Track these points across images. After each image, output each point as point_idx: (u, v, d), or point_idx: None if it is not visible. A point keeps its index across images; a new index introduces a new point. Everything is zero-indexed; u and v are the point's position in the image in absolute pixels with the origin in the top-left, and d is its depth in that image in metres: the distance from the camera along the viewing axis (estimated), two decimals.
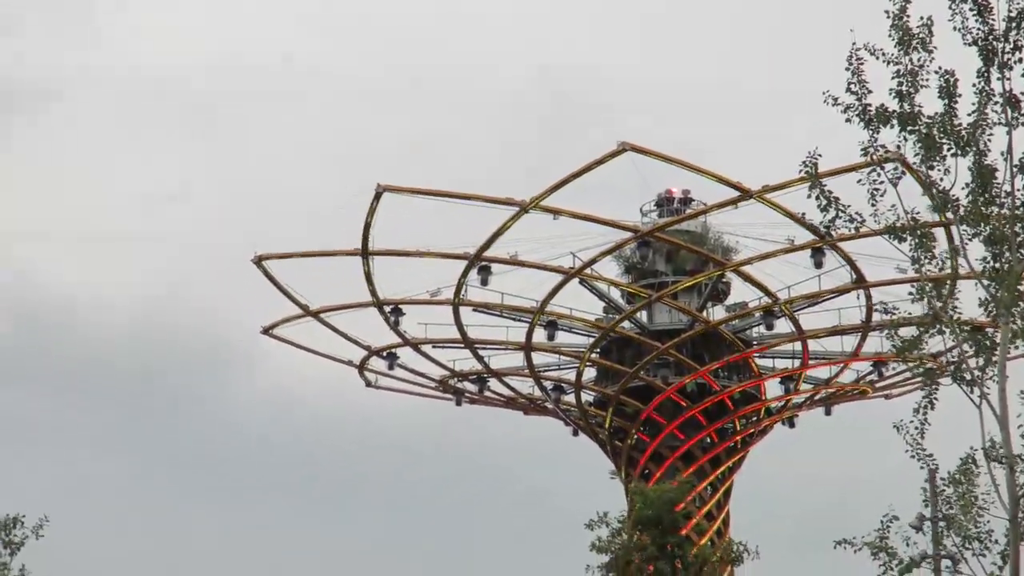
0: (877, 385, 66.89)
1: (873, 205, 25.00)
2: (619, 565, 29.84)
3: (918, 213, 25.10)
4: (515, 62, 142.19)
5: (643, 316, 66.66)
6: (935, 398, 24.87)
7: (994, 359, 24.43)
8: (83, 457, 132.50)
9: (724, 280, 64.66)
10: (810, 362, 63.94)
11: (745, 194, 53.91)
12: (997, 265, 24.50)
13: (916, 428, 24.96)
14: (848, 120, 25.00)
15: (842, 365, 64.95)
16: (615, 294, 66.07)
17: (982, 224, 24.71)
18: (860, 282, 57.00)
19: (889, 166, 24.90)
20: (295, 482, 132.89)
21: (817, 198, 25.21)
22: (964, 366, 24.67)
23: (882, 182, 25.00)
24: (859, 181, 25.02)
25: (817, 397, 68.14)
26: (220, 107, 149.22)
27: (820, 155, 25.17)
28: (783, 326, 63.06)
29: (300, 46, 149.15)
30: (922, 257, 25.33)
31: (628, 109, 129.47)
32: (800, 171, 25.34)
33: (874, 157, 25.27)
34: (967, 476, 24.84)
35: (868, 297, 57.32)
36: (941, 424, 26.27)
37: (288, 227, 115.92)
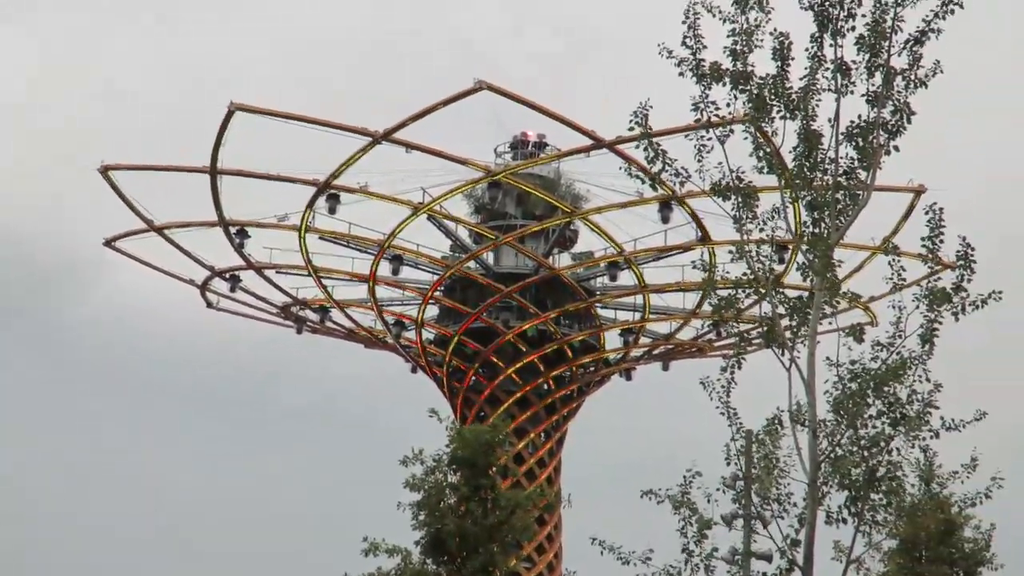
0: (715, 344, 67.42)
1: (699, 161, 24.98)
2: (431, 504, 29.54)
3: (743, 172, 25.11)
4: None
5: (489, 258, 66.45)
6: (743, 357, 25.01)
7: (806, 325, 24.60)
8: None
9: (572, 228, 64.57)
10: (650, 316, 64.22)
11: (598, 143, 53.81)
12: (817, 231, 24.64)
13: (723, 387, 25.09)
14: (681, 74, 24.90)
15: (681, 322, 65.35)
16: (463, 234, 65.72)
17: (805, 189, 24.84)
18: (704, 240, 57.36)
19: (717, 120, 24.81)
20: (130, 398, 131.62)
21: (645, 150, 25.13)
22: (777, 329, 24.83)
23: (709, 138, 24.97)
24: (687, 136, 24.96)
25: (655, 352, 68.61)
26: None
27: (651, 107, 25.06)
28: (627, 279, 63.18)
29: None
30: (744, 217, 25.39)
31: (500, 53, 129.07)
32: (630, 122, 25.18)
33: (725, 117, 25.20)
34: (771, 437, 25.02)
35: (712, 255, 57.65)
36: (752, 386, 26.47)
37: (143, 138, 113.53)
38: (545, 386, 66.56)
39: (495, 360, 65.42)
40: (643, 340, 67.68)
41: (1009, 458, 32.74)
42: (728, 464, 24.70)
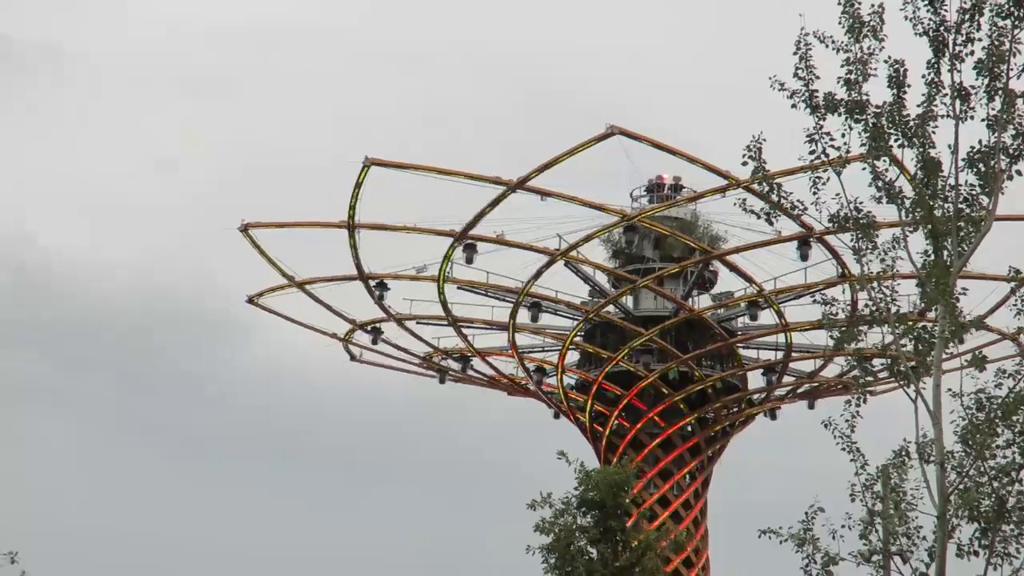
0: (861, 381, 66.15)
1: (815, 193, 24.69)
2: (560, 547, 29.44)
3: (861, 203, 24.77)
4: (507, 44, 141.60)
5: (628, 301, 66.34)
6: (868, 391, 24.61)
7: (931, 356, 24.11)
8: (77, 421, 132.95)
9: (711, 269, 64.27)
10: (793, 355, 63.46)
11: (733, 183, 53.46)
12: (936, 259, 24.18)
13: (846, 422, 24.69)
14: (794, 106, 24.65)
15: (824, 359, 64.45)
16: (601, 278, 65.73)
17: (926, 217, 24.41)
18: (845, 276, 56.57)
19: (833, 154, 24.50)
20: (278, 452, 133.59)
21: (759, 184, 24.94)
22: (900, 361, 24.39)
23: (825, 170, 24.68)
24: (802, 169, 24.71)
25: (800, 390, 67.74)
26: (218, 76, 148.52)
27: (764, 139, 24.86)
28: (768, 317, 62.58)
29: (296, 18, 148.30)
30: (865, 248, 25.02)
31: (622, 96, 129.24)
32: (743, 155, 25.01)
33: (840, 147, 24.86)
34: (899, 470, 24.52)
35: (853, 291, 56.77)
36: (881, 420, 26.02)
37: (281, 197, 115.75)
38: (688, 428, 66.07)
39: (637, 403, 65.14)
40: (787, 379, 66.84)
41: None
42: (853, 500, 24.22)
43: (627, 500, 30.22)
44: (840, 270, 56.56)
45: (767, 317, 62.51)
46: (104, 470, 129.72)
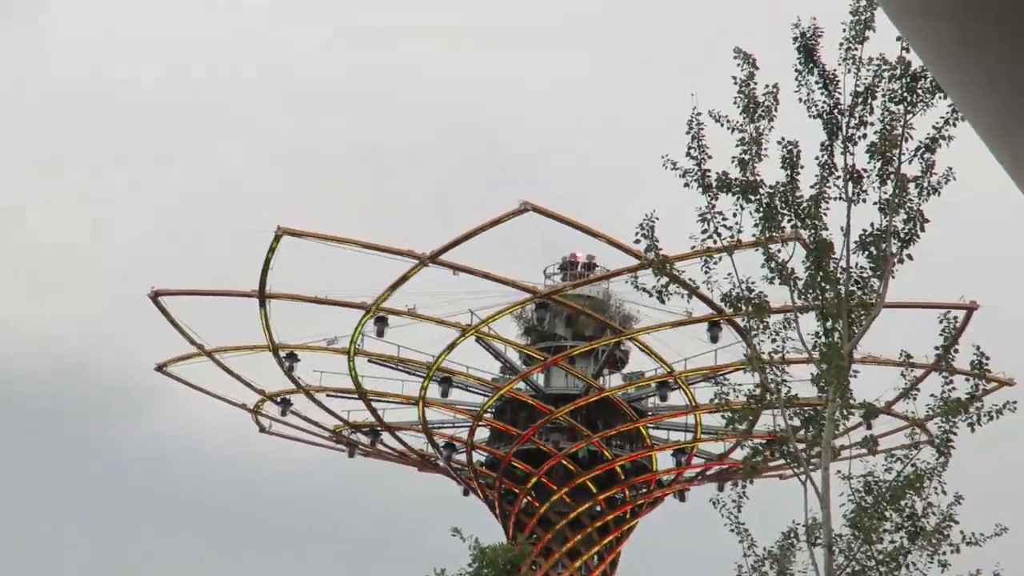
0: (769, 464, 66.22)
1: (706, 272, 24.57)
2: None
3: (753, 283, 24.66)
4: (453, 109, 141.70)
5: (539, 379, 66.07)
6: (756, 472, 24.39)
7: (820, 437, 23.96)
8: None
9: (622, 348, 64.19)
10: (703, 436, 63.40)
11: (644, 263, 53.40)
12: (828, 340, 24.08)
13: (733, 502, 24.46)
14: (686, 185, 24.55)
15: (733, 442, 64.36)
16: (513, 355, 65.44)
17: (816, 299, 24.33)
18: (754, 359, 56.53)
19: (725, 232, 24.39)
20: (186, 522, 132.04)
21: (651, 262, 24.81)
22: (790, 442, 24.20)
23: (718, 248, 24.57)
24: (693, 247, 24.58)
25: (709, 472, 67.63)
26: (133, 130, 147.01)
27: (657, 218, 24.74)
28: (678, 398, 62.52)
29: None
30: (756, 327, 24.90)
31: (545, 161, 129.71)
32: (636, 234, 24.88)
33: (731, 227, 24.76)
34: (785, 553, 24.22)
35: (763, 374, 56.82)
36: (770, 501, 25.74)
37: (194, 262, 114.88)
38: (598, 507, 65.68)
39: (546, 482, 64.72)
40: (696, 460, 66.74)
41: None
42: None
43: None
44: (747, 352, 56.52)
45: (677, 398, 62.47)
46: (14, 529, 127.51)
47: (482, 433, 66.38)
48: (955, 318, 24.20)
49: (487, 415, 64.32)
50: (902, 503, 23.03)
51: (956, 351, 24.70)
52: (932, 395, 23.62)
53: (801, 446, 24.29)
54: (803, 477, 23.82)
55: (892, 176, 24.34)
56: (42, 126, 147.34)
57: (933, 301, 47.71)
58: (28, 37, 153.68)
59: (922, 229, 24.30)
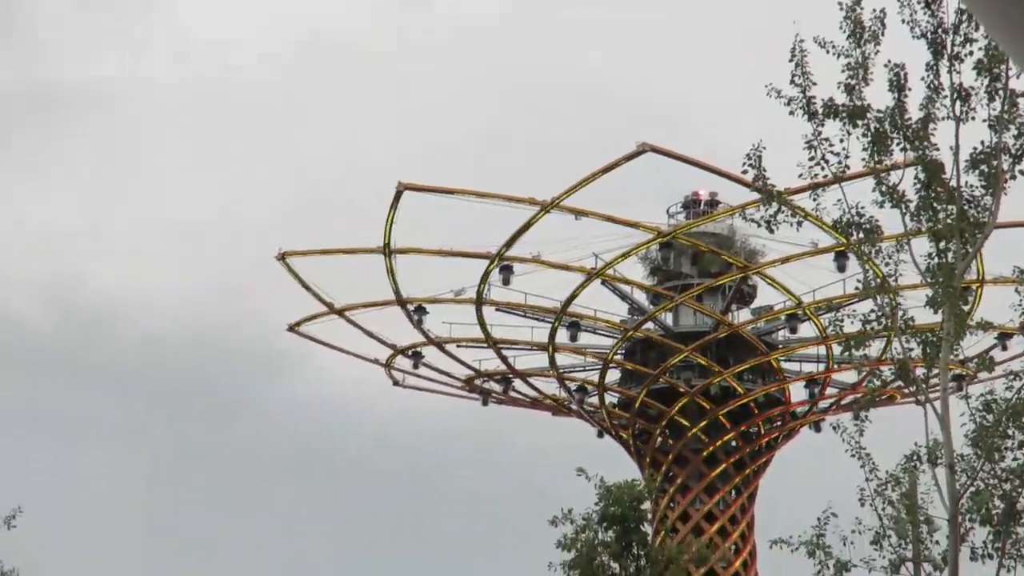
0: (905, 390, 65.67)
1: (815, 199, 24.58)
2: (582, 563, 29.33)
3: (863, 208, 24.62)
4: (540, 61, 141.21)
5: (667, 318, 66.14)
6: (878, 396, 24.41)
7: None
8: (119, 454, 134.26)
9: (749, 283, 63.97)
10: (835, 366, 63.01)
11: (768, 196, 53.12)
12: (941, 261, 23.99)
13: (855, 427, 24.53)
14: (791, 113, 24.53)
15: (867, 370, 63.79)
16: (640, 296, 65.58)
17: (930, 220, 24.22)
18: (883, 286, 56.03)
19: (832, 160, 24.36)
20: (324, 480, 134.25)
21: (760, 191, 24.87)
22: (909, 366, 24.22)
23: (825, 175, 24.54)
24: (800, 175, 24.57)
25: (843, 402, 67.19)
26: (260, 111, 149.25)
27: (764, 147, 24.78)
28: (808, 330, 62.19)
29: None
30: (869, 251, 24.88)
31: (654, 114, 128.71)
32: (744, 164, 24.95)
33: (839, 152, 24.71)
34: (910, 475, 24.27)
35: (894, 300, 56.31)
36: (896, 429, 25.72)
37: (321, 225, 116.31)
38: (732, 443, 65.72)
39: (680, 420, 64.90)
40: (831, 391, 66.38)
41: None
42: (863, 506, 23.98)
43: (647, 513, 30.11)
44: (876, 280, 55.99)
45: (807, 330, 62.15)
46: (158, 495, 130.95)
47: (613, 375, 66.64)
48: None
49: (617, 357, 64.54)
50: (1023, 420, 22.91)
51: None
52: None
53: (921, 371, 24.24)
54: (923, 400, 23.86)
55: (1000, 92, 24.08)
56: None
57: None
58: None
59: None
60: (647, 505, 30.29)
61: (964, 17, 24.04)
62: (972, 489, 22.94)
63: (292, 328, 65.84)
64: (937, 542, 23.69)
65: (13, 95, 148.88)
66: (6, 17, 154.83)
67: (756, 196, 53.26)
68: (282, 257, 60.73)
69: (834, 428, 24.64)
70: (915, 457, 24.08)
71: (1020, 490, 22.87)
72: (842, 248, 53.79)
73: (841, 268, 56.08)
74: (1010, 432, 23.00)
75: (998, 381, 23.69)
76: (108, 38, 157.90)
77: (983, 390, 23.56)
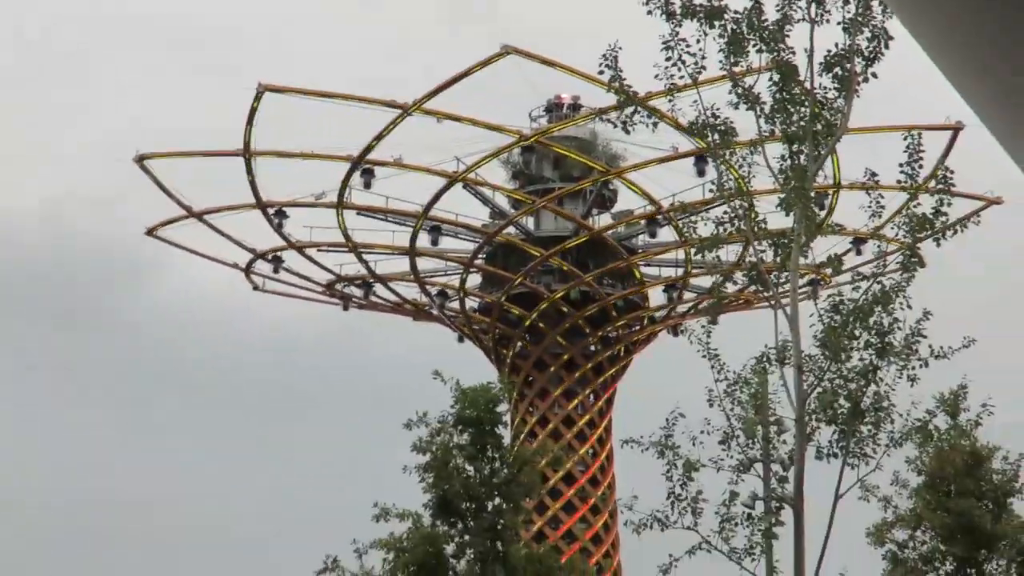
0: (760, 294, 66.45)
1: (671, 101, 24.46)
2: (437, 465, 29.25)
3: (718, 109, 24.56)
4: None
5: (528, 222, 66.08)
6: (734, 300, 24.52)
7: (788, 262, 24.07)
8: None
9: (610, 188, 64.07)
10: (693, 271, 63.47)
11: (629, 100, 53.05)
12: (794, 163, 24.04)
13: (703, 328, 24.69)
14: (649, 12, 24.26)
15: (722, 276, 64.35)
16: (501, 200, 65.38)
17: (784, 123, 24.21)
18: (741, 192, 56.41)
19: (689, 60, 24.18)
20: (187, 388, 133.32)
21: (616, 92, 24.69)
22: (760, 267, 24.36)
23: (682, 76, 24.39)
24: (656, 76, 24.37)
25: (701, 306, 67.85)
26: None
27: (620, 48, 24.54)
28: (668, 234, 62.52)
29: None
30: (723, 154, 24.88)
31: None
32: (600, 65, 24.70)
33: (695, 53, 24.49)
34: (759, 376, 24.44)
35: (750, 207, 56.73)
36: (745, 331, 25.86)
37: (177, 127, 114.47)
38: (592, 347, 66.09)
39: (540, 325, 65.08)
40: (689, 295, 66.93)
41: None
42: (711, 407, 24.13)
43: (503, 416, 30.07)
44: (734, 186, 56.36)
45: (667, 234, 62.49)
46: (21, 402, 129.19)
47: (474, 280, 66.49)
48: (919, 135, 23.94)
49: (478, 261, 64.37)
50: (870, 321, 23.15)
51: (952, 172, 24.35)
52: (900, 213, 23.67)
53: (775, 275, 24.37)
54: (773, 302, 24.03)
55: None
56: None
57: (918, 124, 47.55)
58: None
59: (886, 47, 24.05)
60: (503, 407, 30.20)
61: None
62: (819, 389, 23.15)
63: (150, 232, 64.67)
64: (784, 442, 23.90)
65: None
66: None
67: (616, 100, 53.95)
68: (140, 160, 59.44)
69: (681, 332, 24.66)
70: (764, 359, 24.22)
71: (864, 390, 23.13)
72: (701, 152, 54.12)
73: (700, 173, 56.28)
74: (856, 333, 23.20)
75: (847, 286, 23.86)
76: None
77: (832, 293, 23.75)
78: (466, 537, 29.25)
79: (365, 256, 64.01)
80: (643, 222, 62.68)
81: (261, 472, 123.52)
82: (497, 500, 28.99)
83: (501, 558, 28.62)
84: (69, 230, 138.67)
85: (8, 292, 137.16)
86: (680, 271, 64.64)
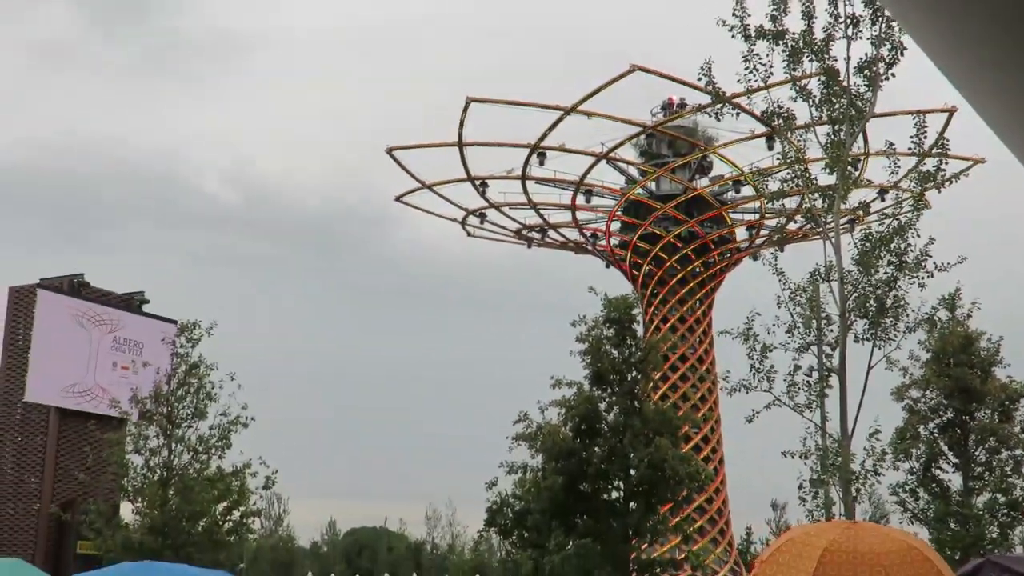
0: (816, 231, 64.73)
1: (748, 98, 23.89)
2: (592, 350, 29.26)
3: (782, 102, 23.91)
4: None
5: (652, 186, 65.29)
6: (794, 235, 23.96)
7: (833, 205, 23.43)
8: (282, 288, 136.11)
9: (707, 160, 62.90)
10: (766, 216, 62.18)
11: (719, 98, 51.88)
12: (835, 138, 23.34)
13: (771, 254, 24.18)
14: (733, 36, 23.68)
15: (787, 219, 63.02)
16: (633, 171, 64.68)
17: (828, 110, 23.47)
18: (799, 160, 54.87)
19: (761, 69, 23.54)
20: (416, 301, 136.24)
21: (709, 93, 24.20)
22: (814, 209, 23.78)
23: (756, 80, 23.77)
24: (738, 80, 23.80)
25: (773, 239, 66.35)
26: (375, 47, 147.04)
27: (713, 62, 24.03)
28: (748, 191, 61.14)
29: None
30: (787, 133, 24.25)
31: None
32: (699, 73, 24.23)
33: (765, 63, 23.77)
34: (813, 285, 23.88)
35: (806, 170, 55.20)
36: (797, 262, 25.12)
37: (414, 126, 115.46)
38: (697, 270, 65.27)
39: (662, 255, 64.46)
40: (763, 232, 65.56)
41: None
42: (779, 307, 23.63)
43: (637, 316, 29.84)
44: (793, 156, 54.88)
45: (747, 191, 61.15)
46: (308, 309, 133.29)
47: (616, 226, 66.03)
48: (924, 116, 23.04)
49: (619, 213, 63.95)
50: (891, 246, 22.47)
51: (947, 140, 23.36)
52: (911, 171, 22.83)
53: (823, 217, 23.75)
54: (823, 236, 23.44)
55: (880, 17, 23.18)
56: None
57: (923, 108, 45.62)
58: None
59: (901, 54, 23.14)
60: (636, 311, 30.00)
61: None
62: (856, 294, 22.58)
63: (399, 199, 65.53)
64: (832, 330, 23.38)
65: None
66: None
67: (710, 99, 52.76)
68: (389, 151, 60.21)
69: (758, 257, 24.23)
70: (816, 273, 23.71)
71: (888, 294, 22.47)
72: (770, 133, 52.75)
73: (770, 147, 54.92)
74: (882, 255, 22.54)
75: (875, 223, 23.10)
76: None
77: (864, 227, 23.03)
78: (613, 398, 29.23)
79: (541, 211, 64.02)
80: (731, 183, 61.47)
81: (478, 355, 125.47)
82: (634, 373, 28.85)
83: (637, 412, 28.58)
84: (339, 195, 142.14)
85: (304, 239, 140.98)
86: (757, 216, 63.30)
